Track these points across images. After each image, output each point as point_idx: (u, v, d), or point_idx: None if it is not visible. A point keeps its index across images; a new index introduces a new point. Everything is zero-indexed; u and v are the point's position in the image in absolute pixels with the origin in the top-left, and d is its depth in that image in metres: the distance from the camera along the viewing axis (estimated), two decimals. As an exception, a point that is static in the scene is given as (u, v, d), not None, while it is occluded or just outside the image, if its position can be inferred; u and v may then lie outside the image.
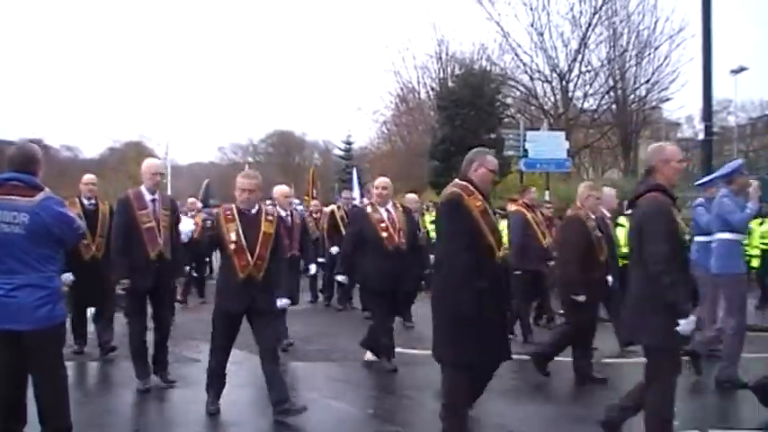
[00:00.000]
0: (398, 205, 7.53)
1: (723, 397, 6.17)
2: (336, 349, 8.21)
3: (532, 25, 29.19)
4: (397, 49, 43.72)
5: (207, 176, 30.23)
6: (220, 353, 5.52)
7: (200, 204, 15.39)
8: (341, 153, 45.30)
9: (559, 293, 7.17)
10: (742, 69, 29.09)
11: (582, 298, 6.43)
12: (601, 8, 28.92)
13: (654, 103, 31.03)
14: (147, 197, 6.20)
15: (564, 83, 29.82)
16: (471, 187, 4.54)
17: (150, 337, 6.34)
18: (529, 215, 8.50)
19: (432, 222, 12.36)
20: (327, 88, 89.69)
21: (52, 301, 4.01)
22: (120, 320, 7.33)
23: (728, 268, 6.37)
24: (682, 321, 4.05)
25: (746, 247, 10.02)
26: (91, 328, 7.63)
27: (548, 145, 16.70)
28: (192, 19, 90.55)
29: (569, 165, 18.91)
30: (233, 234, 5.31)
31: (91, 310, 7.68)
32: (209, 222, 5.85)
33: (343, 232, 10.72)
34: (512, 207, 9.05)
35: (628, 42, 29.29)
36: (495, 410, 5.64)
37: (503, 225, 7.05)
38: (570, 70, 29.73)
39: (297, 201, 10.78)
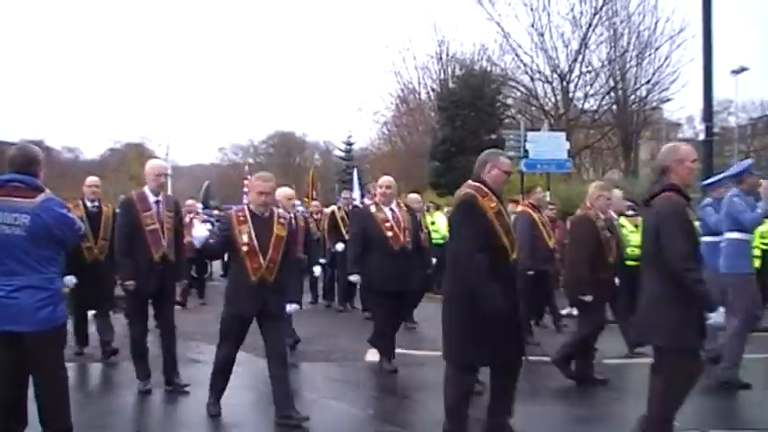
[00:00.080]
0: (402, 205, 7.51)
1: (723, 397, 6.17)
2: (337, 350, 8.22)
3: (533, 26, 29.26)
4: (398, 49, 43.68)
5: (207, 177, 30.32)
6: (228, 353, 5.46)
7: (200, 206, 15.41)
8: (341, 154, 45.30)
9: (567, 293, 7.15)
10: (743, 70, 29.10)
11: (589, 298, 6.41)
12: (601, 9, 28.96)
13: (654, 104, 31.05)
14: (151, 198, 6.14)
15: (564, 83, 29.85)
16: (485, 188, 4.53)
17: (150, 337, 6.33)
18: (535, 215, 8.48)
19: (432, 223, 12.40)
20: (328, 89, 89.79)
21: (53, 302, 4.01)
22: (120, 321, 7.35)
23: (737, 268, 6.37)
24: (712, 315, 4.12)
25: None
26: (92, 329, 7.63)
27: (548, 145, 16.69)
28: (192, 20, 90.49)
29: (570, 165, 18.90)
30: (245, 236, 5.25)
31: (90, 313, 7.67)
32: (219, 225, 5.76)
33: (344, 232, 10.78)
34: (517, 207, 9.04)
35: (628, 43, 29.34)
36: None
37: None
38: (571, 71, 29.77)
39: (298, 202, 10.76)
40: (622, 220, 9.35)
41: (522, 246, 7.68)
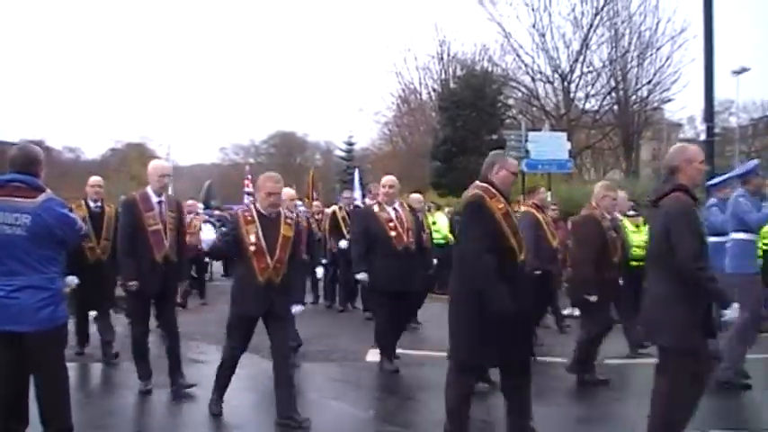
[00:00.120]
0: (405, 204, 7.49)
1: (724, 398, 6.16)
2: (337, 350, 8.21)
3: (534, 26, 29.28)
4: (399, 49, 43.61)
5: (208, 177, 30.34)
6: (235, 353, 5.43)
7: (200, 205, 15.42)
8: (342, 154, 45.30)
9: (572, 293, 7.12)
10: (744, 70, 29.10)
11: (594, 298, 6.39)
12: (602, 9, 28.97)
13: (655, 104, 31.06)
14: (154, 199, 6.10)
15: (565, 84, 29.86)
16: (493, 189, 4.53)
17: (151, 337, 6.33)
18: (539, 215, 8.46)
19: (433, 223, 12.39)
20: (329, 89, 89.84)
21: (54, 302, 4.00)
22: (120, 321, 7.35)
23: (743, 268, 6.35)
24: (727, 311, 4.19)
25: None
26: (92, 329, 7.63)
27: (549, 146, 16.70)
28: (193, 20, 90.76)
29: (571, 166, 18.90)
30: (252, 236, 5.22)
31: (92, 314, 7.66)
32: (226, 225, 5.72)
33: (345, 232, 10.78)
34: (522, 208, 9.04)
35: (629, 43, 29.37)
36: (496, 411, 5.64)
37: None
38: (572, 71, 29.79)
39: (299, 202, 10.78)
40: (623, 221, 9.36)
41: (527, 246, 7.67)
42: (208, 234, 5.63)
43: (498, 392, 5.74)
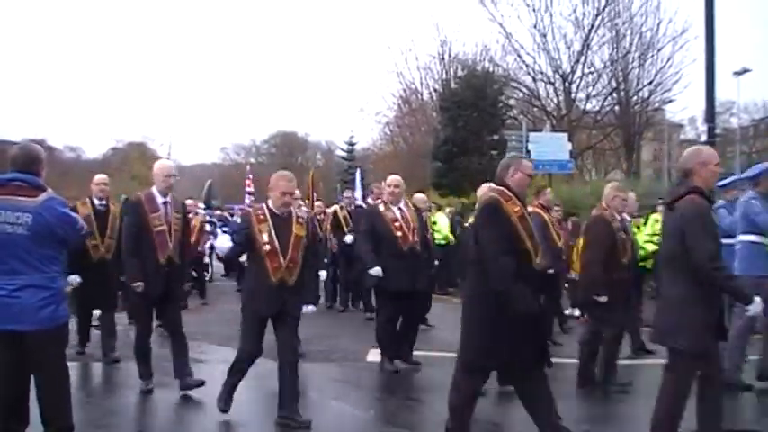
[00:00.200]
0: (410, 204, 7.49)
1: (724, 398, 6.15)
2: (338, 350, 8.22)
3: (535, 27, 29.27)
4: (400, 50, 43.59)
5: (209, 177, 30.34)
6: (251, 351, 5.36)
7: (201, 205, 15.43)
8: (343, 154, 45.27)
9: (581, 294, 7.08)
10: (745, 71, 29.07)
11: (604, 299, 6.34)
12: (603, 10, 28.96)
13: (657, 105, 31.04)
14: (159, 200, 6.06)
15: (567, 84, 29.85)
16: (508, 192, 4.52)
17: (152, 337, 6.33)
18: (545, 216, 8.46)
19: (434, 223, 12.39)
20: (330, 89, 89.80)
21: (55, 301, 4.00)
22: (120, 320, 7.36)
23: (752, 270, 6.31)
24: (750, 307, 4.24)
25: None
26: (95, 333, 7.62)
27: (550, 146, 16.74)
28: (195, 19, 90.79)
29: (572, 166, 18.92)
30: (265, 235, 5.18)
31: (96, 313, 7.65)
32: (238, 224, 5.64)
33: (346, 232, 10.80)
34: (528, 208, 9.03)
35: (631, 44, 29.36)
36: (496, 411, 5.65)
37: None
38: (573, 72, 29.78)
39: (300, 203, 10.77)
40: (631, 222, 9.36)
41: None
42: (222, 242, 5.55)
43: (504, 394, 5.79)
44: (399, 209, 7.10)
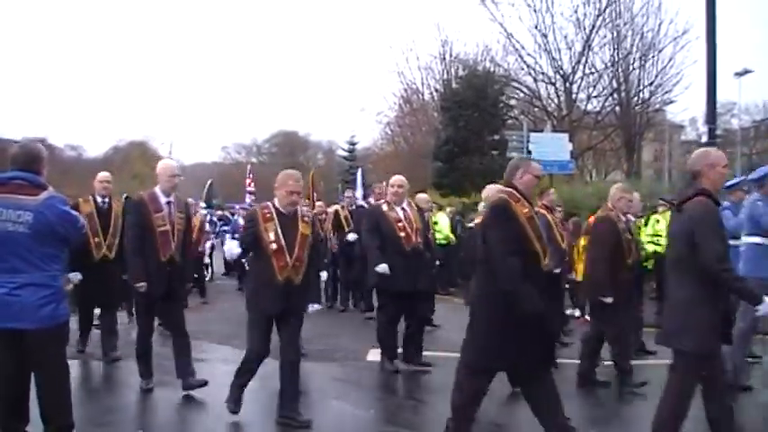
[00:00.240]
0: (413, 204, 7.48)
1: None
2: (338, 349, 8.22)
3: (536, 27, 29.22)
4: (401, 49, 43.75)
5: (210, 176, 30.34)
6: (259, 351, 5.28)
7: (202, 204, 15.43)
8: (344, 154, 45.29)
9: (586, 295, 7.06)
10: (746, 72, 29.03)
11: (610, 300, 6.35)
12: (605, 10, 28.92)
13: (657, 106, 31.01)
14: (163, 200, 6.04)
15: (567, 85, 29.83)
16: (517, 194, 4.52)
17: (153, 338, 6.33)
18: (549, 217, 8.47)
19: (435, 223, 12.40)
20: (331, 89, 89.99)
21: (56, 300, 4.00)
22: (120, 319, 7.35)
23: (756, 272, 6.29)
24: (760, 306, 4.24)
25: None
26: (95, 332, 7.62)
27: (551, 146, 16.73)
28: (196, 19, 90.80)
29: (573, 167, 18.91)
30: (272, 234, 5.16)
31: (96, 312, 7.64)
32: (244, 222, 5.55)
33: (347, 232, 10.82)
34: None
35: (632, 45, 29.31)
36: (496, 411, 5.65)
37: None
38: (574, 72, 29.75)
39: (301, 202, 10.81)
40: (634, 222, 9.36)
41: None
42: (231, 246, 5.50)
43: (509, 396, 5.79)
44: (403, 209, 7.10)
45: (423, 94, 37.18)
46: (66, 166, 39.80)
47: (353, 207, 11.71)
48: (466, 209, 18.40)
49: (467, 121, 24.13)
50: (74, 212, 4.27)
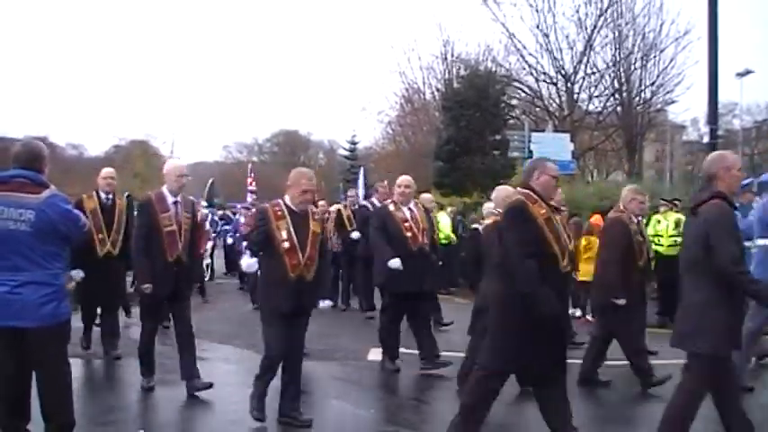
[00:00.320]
0: (420, 205, 7.47)
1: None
2: (339, 349, 8.22)
3: (538, 27, 29.18)
4: (403, 49, 43.49)
5: (211, 175, 30.37)
6: (277, 354, 5.18)
7: (204, 203, 15.43)
8: (346, 153, 45.28)
9: (597, 296, 7.03)
10: (748, 72, 29.00)
11: (622, 301, 6.32)
12: (606, 10, 28.88)
13: (659, 106, 30.97)
14: (170, 199, 6.03)
15: (569, 85, 29.80)
16: (534, 195, 4.52)
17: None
18: (557, 217, 8.44)
19: (437, 222, 12.40)
20: (333, 88, 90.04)
21: (57, 298, 4.01)
22: (120, 317, 7.35)
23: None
24: None
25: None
26: (96, 330, 7.62)
27: (552, 146, 16.72)
28: (198, 18, 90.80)
29: (574, 167, 18.90)
30: (284, 232, 5.12)
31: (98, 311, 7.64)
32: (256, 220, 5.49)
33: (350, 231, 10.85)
34: None
35: (633, 45, 29.25)
36: (497, 411, 5.64)
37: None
38: (575, 72, 29.71)
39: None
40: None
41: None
42: (248, 261, 5.40)
43: (515, 397, 5.79)
44: (409, 209, 7.09)
45: (424, 94, 37.14)
46: (68, 164, 39.77)
47: (356, 207, 11.70)
48: (467, 208, 18.40)
49: (468, 121, 24.06)
50: (76, 211, 4.27)
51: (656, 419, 4.37)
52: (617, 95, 30.15)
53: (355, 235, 10.71)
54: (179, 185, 6.09)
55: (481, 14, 43.43)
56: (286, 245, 5.11)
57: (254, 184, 22.04)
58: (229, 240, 16.09)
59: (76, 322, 6.36)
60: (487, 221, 6.50)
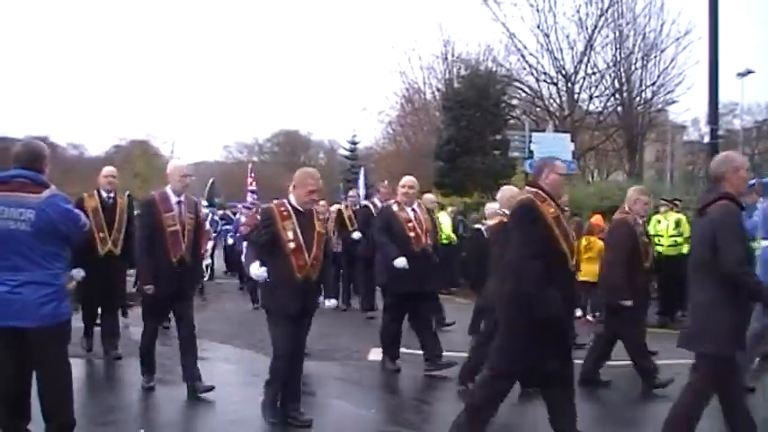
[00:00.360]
0: (423, 205, 7.45)
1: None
2: (339, 349, 8.22)
3: (538, 27, 29.14)
4: (403, 49, 43.39)
5: (212, 175, 30.34)
6: (287, 355, 5.15)
7: (204, 203, 15.41)
8: (346, 153, 45.26)
9: (603, 298, 7.01)
10: (748, 72, 28.97)
11: (629, 303, 6.30)
12: (607, 10, 28.85)
13: (660, 106, 30.93)
14: (173, 199, 6.02)
15: (569, 85, 29.78)
16: (543, 194, 4.52)
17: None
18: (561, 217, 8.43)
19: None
20: (333, 88, 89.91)
21: (57, 298, 4.01)
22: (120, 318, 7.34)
23: None
24: None
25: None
26: (96, 330, 7.62)
27: (553, 146, 16.69)
28: (198, 18, 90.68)
29: (575, 167, 18.89)
30: (290, 232, 5.10)
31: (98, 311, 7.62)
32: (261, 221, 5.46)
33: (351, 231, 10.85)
34: None
35: (634, 45, 29.21)
36: (501, 412, 5.63)
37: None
38: (576, 72, 29.68)
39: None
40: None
41: None
42: (257, 269, 5.40)
43: (518, 398, 5.78)
44: (413, 209, 7.08)
45: (424, 94, 37.12)
46: (68, 164, 39.74)
47: (357, 207, 11.70)
48: (467, 208, 18.40)
49: (469, 121, 24.07)
50: (76, 211, 4.27)
51: (659, 420, 4.38)
52: (617, 95, 30.12)
53: (356, 235, 10.71)
54: (183, 185, 6.08)
55: (481, 14, 43.46)
56: (292, 245, 5.09)
57: (254, 183, 22.03)
58: (230, 240, 16.10)
59: (77, 322, 6.36)
60: (491, 221, 6.49)
